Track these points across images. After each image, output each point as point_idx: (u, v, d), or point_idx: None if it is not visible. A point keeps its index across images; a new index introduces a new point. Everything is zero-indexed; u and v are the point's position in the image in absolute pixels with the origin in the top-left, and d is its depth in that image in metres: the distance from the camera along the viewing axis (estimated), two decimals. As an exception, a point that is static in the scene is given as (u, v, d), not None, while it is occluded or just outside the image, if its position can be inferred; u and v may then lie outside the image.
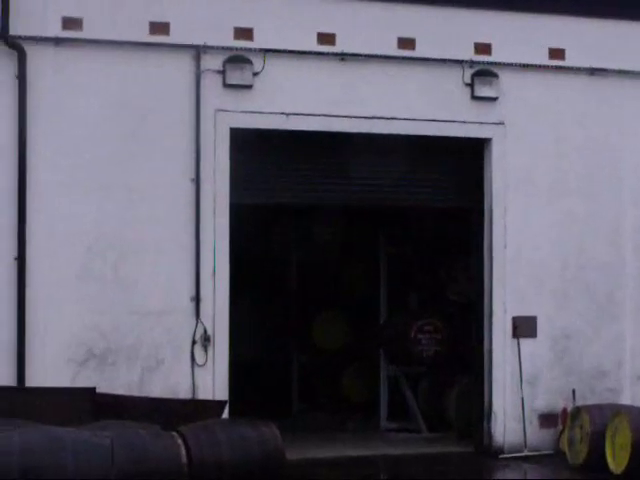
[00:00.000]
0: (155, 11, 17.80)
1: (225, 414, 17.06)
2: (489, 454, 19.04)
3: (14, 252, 17.17)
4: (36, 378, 16.92)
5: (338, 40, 18.47)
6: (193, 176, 17.92)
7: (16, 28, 17.20)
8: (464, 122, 19.08)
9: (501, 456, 18.92)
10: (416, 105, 18.81)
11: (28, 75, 17.28)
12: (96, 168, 17.47)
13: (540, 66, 19.24)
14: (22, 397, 16.41)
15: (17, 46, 17.21)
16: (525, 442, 19.05)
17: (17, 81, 17.22)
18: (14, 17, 17.12)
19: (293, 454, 16.26)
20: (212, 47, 18.02)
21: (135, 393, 16.98)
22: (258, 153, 18.30)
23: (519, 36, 19.12)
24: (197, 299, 17.86)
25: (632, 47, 19.42)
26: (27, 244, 17.21)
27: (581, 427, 18.11)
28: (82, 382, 16.92)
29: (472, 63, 18.95)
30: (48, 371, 17.03)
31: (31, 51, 17.28)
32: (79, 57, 17.61)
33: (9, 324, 16.97)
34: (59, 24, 17.47)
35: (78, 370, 17.11)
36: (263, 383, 20.01)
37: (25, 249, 17.20)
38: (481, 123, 19.16)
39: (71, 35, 17.51)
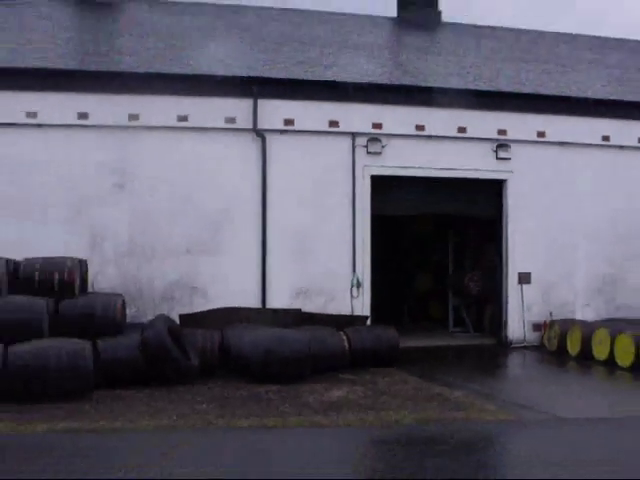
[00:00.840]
0: (331, 115, 18.17)
1: (368, 323, 17.47)
2: (505, 345, 19.19)
3: (260, 239, 17.76)
4: (272, 304, 17.52)
5: (427, 128, 18.65)
6: (352, 199, 18.27)
7: (261, 124, 17.74)
8: (492, 171, 19.15)
9: (512, 346, 19.07)
10: (468, 162, 18.85)
11: (267, 149, 17.78)
12: (304, 195, 17.93)
13: (533, 141, 19.25)
14: (265, 314, 16.94)
15: (261, 134, 17.73)
16: (524, 338, 19.15)
17: (261, 153, 17.78)
18: (260, 120, 17.67)
19: (403, 344, 16.53)
20: (361, 133, 18.32)
21: (321, 311, 17.37)
22: (385, 188, 18.46)
23: (521, 124, 19.13)
24: (353, 264, 18.16)
25: (580, 131, 19.50)
26: (267, 236, 17.72)
27: (554, 331, 18.33)
28: (294, 306, 17.36)
29: (497, 140, 19.03)
30: (277, 301, 17.56)
31: (268, 137, 17.78)
32: (293, 138, 18.06)
33: (257, 278, 17.58)
34: (282, 122, 17.96)
35: (292, 301, 17.58)
36: (388, 308, 20.06)
37: (266, 238, 17.72)
38: (501, 171, 19.17)
39: (288, 128, 17.96)
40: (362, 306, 18.14)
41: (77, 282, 14.84)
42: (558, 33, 26.45)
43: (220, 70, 18.38)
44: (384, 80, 19.35)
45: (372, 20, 25.24)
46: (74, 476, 8.32)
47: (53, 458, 9.28)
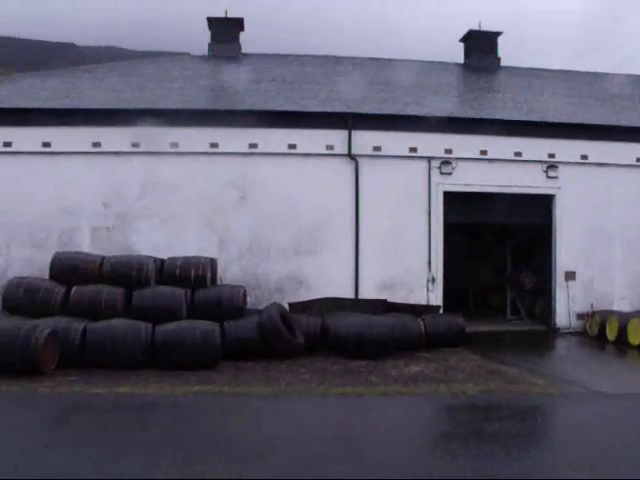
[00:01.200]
0: (411, 143, 17.94)
1: (440, 311, 17.18)
2: (554, 331, 18.58)
3: (354, 242, 17.68)
4: (362, 295, 17.37)
5: (488, 153, 18.21)
6: (428, 211, 18.02)
7: (354, 151, 17.67)
8: (543, 187, 18.57)
9: (559, 332, 18.47)
10: (523, 180, 18.35)
11: (359, 170, 17.71)
12: (389, 207, 17.64)
13: (577, 162, 18.63)
14: (357, 302, 16.82)
15: (354, 158, 17.67)
16: (570, 326, 18.53)
17: (354, 173, 17.71)
18: (353, 147, 17.61)
19: (468, 329, 16.27)
20: (435, 157, 18.05)
21: (403, 302, 17.11)
22: (455, 201, 18.10)
23: (567, 149, 18.55)
24: (429, 262, 17.85)
25: (616, 154, 18.77)
26: (359, 239, 17.61)
27: (595, 320, 17.80)
28: (381, 297, 17.10)
29: (547, 162, 18.48)
30: (367, 292, 17.40)
31: (360, 160, 17.71)
32: (380, 161, 17.87)
33: (351, 274, 17.43)
34: (371, 149, 17.83)
35: (379, 292, 17.33)
36: (457, 299, 19.62)
37: (358, 242, 17.60)
38: (551, 187, 18.61)
39: (376, 153, 17.82)
40: (436, 297, 17.84)
41: (209, 276, 15.13)
42: (597, 72, 25.83)
43: (322, 107, 18.54)
44: (453, 114, 19.01)
45: (443, 66, 25.04)
46: (201, 428, 8.48)
47: (187, 413, 9.50)
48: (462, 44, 26.25)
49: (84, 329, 12.82)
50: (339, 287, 17.22)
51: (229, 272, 17.08)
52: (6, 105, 17.68)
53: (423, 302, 17.55)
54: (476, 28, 25.68)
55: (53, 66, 23.16)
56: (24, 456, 7.21)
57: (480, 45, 25.47)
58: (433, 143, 18.09)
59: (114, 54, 29.31)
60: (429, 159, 18.10)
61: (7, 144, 17.07)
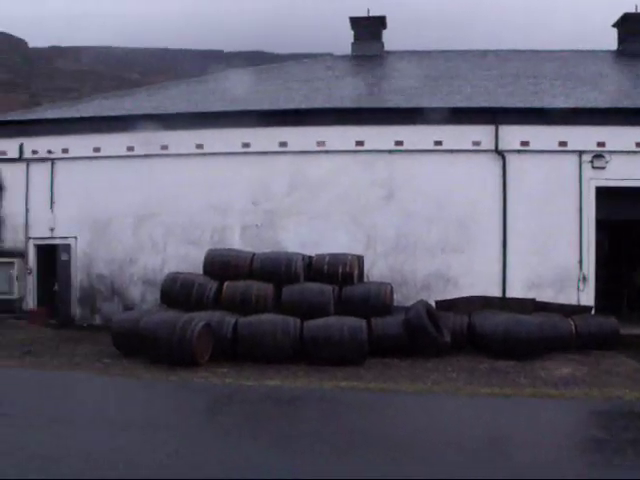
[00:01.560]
0: (560, 136, 17.26)
1: (592, 312, 16.43)
2: None
3: (501, 240, 17.19)
4: (510, 294, 16.92)
5: None
6: (579, 207, 17.21)
7: (501, 146, 17.29)
8: None
9: None
10: None
11: (506, 166, 17.30)
12: (537, 204, 17.07)
13: None
14: (504, 301, 16.42)
15: (501, 154, 17.30)
16: None
17: (501, 170, 17.31)
18: (500, 142, 17.24)
19: (622, 331, 15.32)
20: (586, 151, 17.23)
21: (551, 301, 16.48)
22: (608, 197, 17.11)
23: None
24: (580, 261, 17.09)
25: None
26: (507, 237, 17.18)
27: None
28: (529, 296, 16.53)
29: None
30: (514, 291, 16.92)
31: (507, 156, 17.29)
32: (528, 157, 17.34)
33: (498, 272, 17.03)
34: (519, 144, 17.29)
35: (527, 292, 16.77)
36: (610, 299, 18.56)
37: (506, 239, 17.16)
38: None
39: (524, 148, 17.31)
40: (587, 297, 17.03)
41: (356, 273, 15.35)
42: None
43: (468, 103, 18.30)
44: (606, 104, 18.20)
45: (593, 54, 23.95)
46: (348, 423, 8.62)
47: (334, 407, 9.70)
48: (615, 29, 25.04)
49: (236, 323, 13.37)
50: (486, 285, 16.87)
51: (375, 269, 17.21)
52: (161, 111, 18.67)
53: (573, 302, 16.83)
54: (632, 11, 24.38)
55: (204, 73, 24.27)
56: (184, 441, 7.60)
57: (636, 29, 24.09)
58: (584, 136, 17.28)
59: (261, 58, 30.26)
60: (580, 153, 17.33)
61: (164, 147, 18.03)
